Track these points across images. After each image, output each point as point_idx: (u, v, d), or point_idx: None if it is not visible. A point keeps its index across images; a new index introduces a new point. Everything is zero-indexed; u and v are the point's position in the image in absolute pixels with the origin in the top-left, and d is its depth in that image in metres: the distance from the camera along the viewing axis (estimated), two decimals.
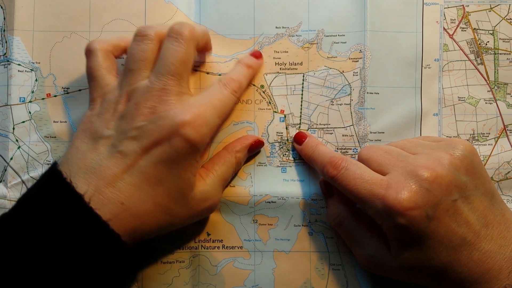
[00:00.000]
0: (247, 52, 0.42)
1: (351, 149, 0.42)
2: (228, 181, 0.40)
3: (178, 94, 0.34)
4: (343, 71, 0.42)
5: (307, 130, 0.42)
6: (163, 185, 0.34)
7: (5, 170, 0.41)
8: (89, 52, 0.37)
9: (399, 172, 0.34)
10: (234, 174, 0.41)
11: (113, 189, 0.32)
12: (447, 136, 0.42)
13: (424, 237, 0.33)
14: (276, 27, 0.42)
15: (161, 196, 0.34)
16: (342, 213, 0.39)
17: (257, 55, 0.41)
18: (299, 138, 0.41)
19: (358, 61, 0.41)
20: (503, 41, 0.42)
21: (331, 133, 0.42)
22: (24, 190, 0.41)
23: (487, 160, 0.42)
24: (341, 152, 0.42)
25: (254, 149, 0.41)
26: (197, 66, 0.42)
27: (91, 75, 0.37)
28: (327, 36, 0.42)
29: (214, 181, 0.37)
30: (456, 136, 0.42)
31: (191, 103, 0.35)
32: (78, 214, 0.31)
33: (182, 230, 0.40)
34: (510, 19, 0.42)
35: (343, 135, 0.42)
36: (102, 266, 0.31)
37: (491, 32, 0.42)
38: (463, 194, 0.34)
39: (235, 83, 0.38)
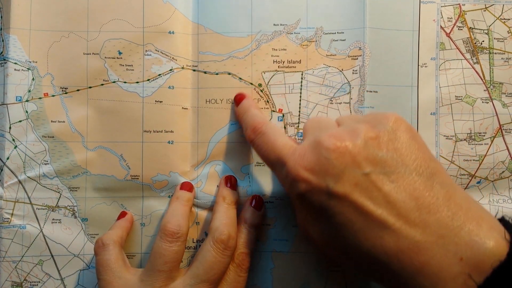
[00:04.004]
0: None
1: None
2: None
3: None
4: (342, 69, 0.41)
5: None
6: None
7: (1, 170, 0.40)
8: (102, 246, 0.37)
9: (309, 140, 0.32)
10: None
11: None
12: (444, 136, 0.42)
13: (329, 211, 0.30)
14: (274, 24, 0.42)
15: None
16: None
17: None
18: (237, 99, 0.41)
19: (357, 58, 0.41)
20: (498, 41, 0.42)
21: None
22: (20, 190, 0.40)
23: (482, 160, 0.42)
24: None
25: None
26: (195, 66, 0.42)
27: (107, 267, 0.37)
28: (326, 33, 0.41)
29: None
30: (453, 136, 0.42)
31: None
32: None
33: None
34: (504, 19, 0.42)
35: None
36: None
37: (486, 31, 0.42)
38: (381, 170, 0.29)
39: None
